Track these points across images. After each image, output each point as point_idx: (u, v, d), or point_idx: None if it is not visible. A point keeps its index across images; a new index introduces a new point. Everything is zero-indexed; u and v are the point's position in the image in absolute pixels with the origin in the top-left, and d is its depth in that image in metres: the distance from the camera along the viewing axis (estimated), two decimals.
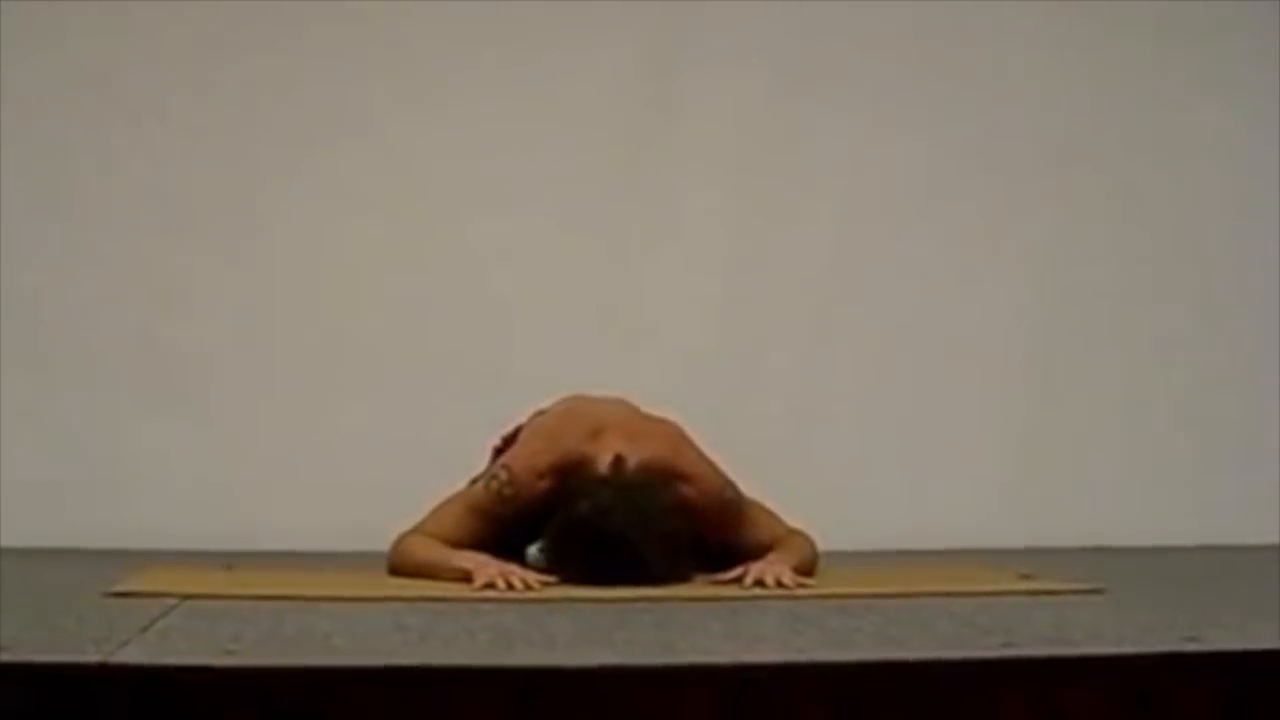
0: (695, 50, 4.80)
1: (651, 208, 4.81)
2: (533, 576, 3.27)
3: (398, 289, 4.70)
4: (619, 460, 3.40)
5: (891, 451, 4.80)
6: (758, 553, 3.47)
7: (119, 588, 3.13)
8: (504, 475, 3.53)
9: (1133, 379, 4.94)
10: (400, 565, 3.50)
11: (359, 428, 4.61)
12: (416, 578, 3.40)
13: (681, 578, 3.33)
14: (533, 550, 3.54)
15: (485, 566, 3.29)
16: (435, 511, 3.55)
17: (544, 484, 3.47)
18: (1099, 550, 4.46)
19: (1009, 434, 4.86)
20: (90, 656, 2.29)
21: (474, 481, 3.60)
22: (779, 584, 3.28)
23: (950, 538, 4.49)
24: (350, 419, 4.62)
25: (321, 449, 4.59)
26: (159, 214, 4.63)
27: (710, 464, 3.58)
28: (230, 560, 3.81)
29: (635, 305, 4.76)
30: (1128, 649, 2.52)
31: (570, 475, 3.43)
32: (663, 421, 3.62)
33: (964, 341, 4.88)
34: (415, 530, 3.54)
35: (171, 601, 2.94)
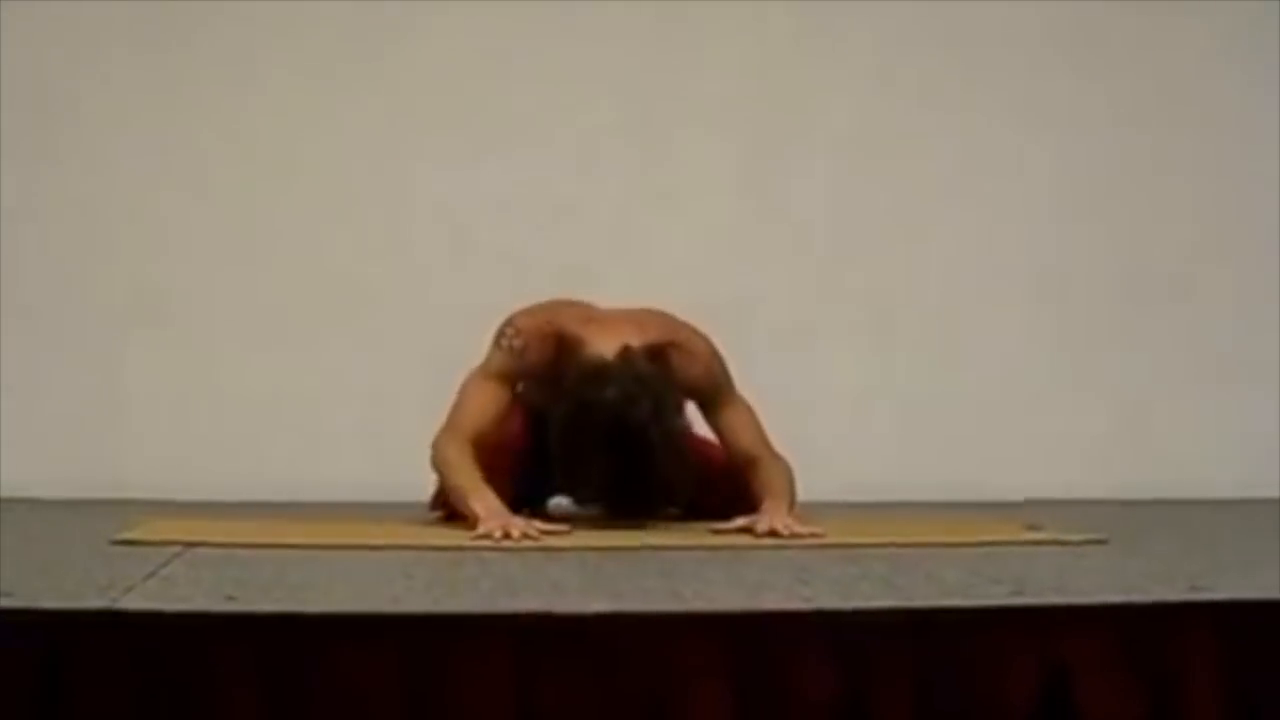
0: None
1: (659, 155, 4.79)
2: (536, 527, 3.27)
3: (399, 239, 4.70)
4: (628, 350, 3.43)
5: (898, 403, 4.79)
6: (737, 459, 3.53)
7: (123, 536, 3.13)
8: (511, 331, 3.56)
9: (1136, 331, 4.93)
10: (439, 474, 3.51)
11: (363, 377, 4.61)
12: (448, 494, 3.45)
13: (682, 479, 3.37)
14: (557, 501, 3.60)
15: (490, 517, 3.28)
16: (461, 393, 3.55)
17: (549, 347, 3.51)
18: (1100, 502, 4.45)
19: (1012, 386, 4.85)
20: (95, 602, 2.29)
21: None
22: (792, 534, 3.28)
23: (954, 489, 4.49)
24: (353, 368, 4.62)
25: (325, 398, 4.59)
26: (152, 162, 4.62)
27: (705, 339, 3.61)
28: (235, 509, 3.81)
29: (637, 255, 4.74)
30: (1132, 598, 2.51)
31: (572, 350, 3.47)
32: (652, 309, 3.65)
33: (967, 292, 4.87)
34: (450, 426, 3.52)
35: (175, 549, 2.95)
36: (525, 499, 3.53)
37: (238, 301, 4.65)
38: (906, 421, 4.80)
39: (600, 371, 3.39)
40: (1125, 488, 4.62)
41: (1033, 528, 3.52)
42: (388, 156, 4.71)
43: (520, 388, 3.62)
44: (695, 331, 3.61)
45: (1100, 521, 3.65)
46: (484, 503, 3.34)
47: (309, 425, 4.55)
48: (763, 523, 3.33)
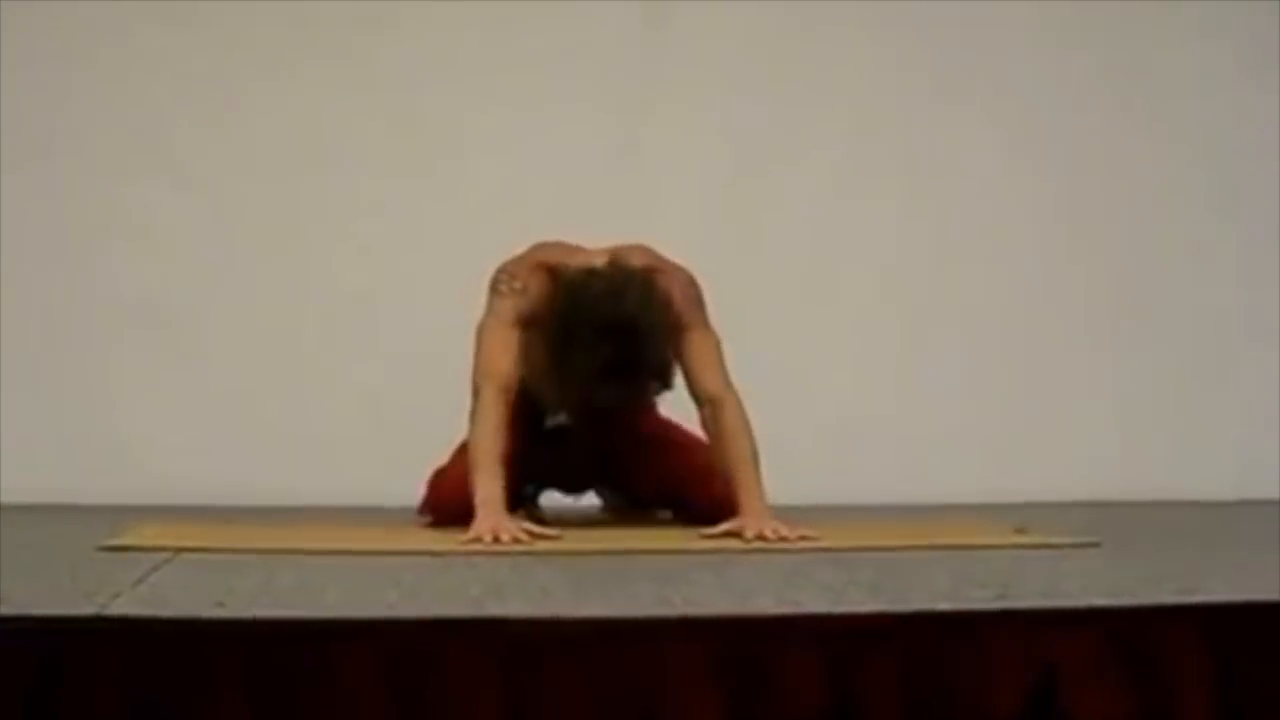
0: None
1: (648, 149, 4.79)
2: (526, 530, 3.27)
3: (388, 241, 4.69)
4: (615, 258, 3.51)
5: (887, 406, 4.79)
6: (696, 389, 3.56)
7: (113, 541, 3.13)
8: (505, 276, 3.61)
9: (1127, 335, 4.93)
10: (469, 441, 3.51)
11: (353, 382, 4.60)
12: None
13: (664, 375, 3.45)
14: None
15: (485, 519, 3.28)
16: (481, 343, 3.56)
17: (545, 280, 3.54)
18: (1094, 505, 4.45)
19: (1005, 389, 4.85)
20: (84, 609, 2.29)
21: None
22: (780, 539, 3.29)
23: (946, 492, 4.48)
24: (344, 373, 4.61)
25: (314, 404, 4.59)
26: (150, 165, 4.62)
27: (685, 270, 3.66)
28: (226, 515, 3.81)
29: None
30: (1122, 601, 2.52)
31: (562, 273, 3.52)
32: (633, 244, 3.68)
33: (959, 296, 4.87)
34: (484, 376, 3.52)
35: (165, 555, 2.94)
36: (519, 494, 3.55)
37: (228, 306, 4.65)
38: (897, 423, 4.79)
39: (590, 273, 3.47)
40: (1116, 490, 4.62)
41: (1020, 531, 3.52)
42: (376, 157, 4.71)
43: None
44: (676, 265, 3.66)
45: (1090, 524, 3.65)
46: (483, 492, 3.34)
47: (299, 431, 4.55)
48: (751, 528, 3.34)
